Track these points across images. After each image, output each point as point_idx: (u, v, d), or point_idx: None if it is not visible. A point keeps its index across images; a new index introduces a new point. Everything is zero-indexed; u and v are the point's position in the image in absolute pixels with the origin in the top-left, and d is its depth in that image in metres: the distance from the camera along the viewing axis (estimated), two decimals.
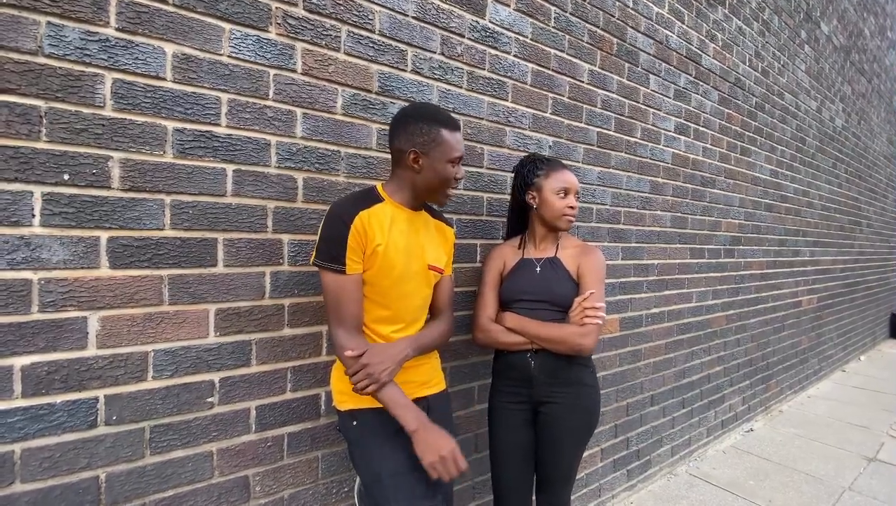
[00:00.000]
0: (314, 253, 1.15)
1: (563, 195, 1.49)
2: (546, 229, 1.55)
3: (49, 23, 0.98)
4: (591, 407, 1.50)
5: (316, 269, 1.23)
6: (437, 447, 1.08)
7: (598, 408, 1.53)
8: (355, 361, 1.10)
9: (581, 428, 1.49)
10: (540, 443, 1.50)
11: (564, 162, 1.70)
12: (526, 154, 1.67)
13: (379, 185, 1.25)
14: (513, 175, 1.63)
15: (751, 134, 3.32)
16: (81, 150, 1.02)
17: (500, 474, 1.52)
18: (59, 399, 1.02)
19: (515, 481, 1.51)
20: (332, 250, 1.11)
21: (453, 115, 1.66)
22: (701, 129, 2.86)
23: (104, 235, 1.05)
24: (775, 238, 3.66)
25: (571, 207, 1.49)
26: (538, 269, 1.51)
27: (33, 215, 0.98)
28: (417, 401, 1.25)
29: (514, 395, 1.51)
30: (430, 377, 1.31)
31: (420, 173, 1.18)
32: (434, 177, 1.18)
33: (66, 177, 1.01)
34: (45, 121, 0.98)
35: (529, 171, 1.55)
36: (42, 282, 0.99)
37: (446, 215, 1.65)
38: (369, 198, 1.19)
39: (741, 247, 3.27)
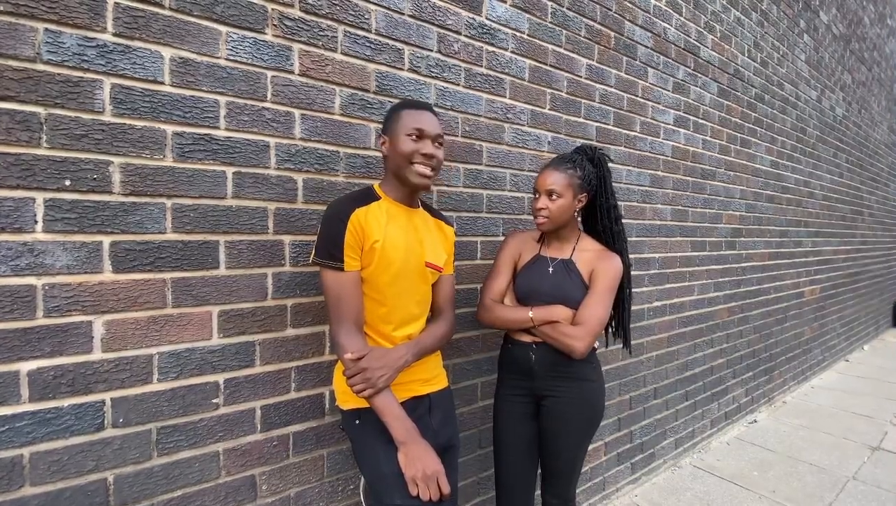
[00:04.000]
0: (313, 252, 1.16)
1: (536, 196, 1.47)
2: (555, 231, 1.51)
3: (47, 29, 0.99)
4: (592, 402, 1.50)
5: (317, 269, 1.24)
6: (423, 464, 1.09)
7: (601, 403, 1.52)
8: (354, 363, 1.11)
9: (582, 423, 1.48)
10: (542, 436, 1.51)
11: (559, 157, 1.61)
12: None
13: (376, 184, 1.26)
14: None
15: (751, 125, 3.31)
16: (82, 155, 1.03)
17: (502, 465, 1.54)
18: (66, 403, 1.03)
19: (517, 473, 1.52)
20: (330, 248, 1.12)
21: (452, 112, 1.67)
22: (700, 121, 2.85)
23: (106, 240, 1.06)
24: (777, 229, 3.65)
25: (538, 209, 1.45)
26: (550, 269, 1.49)
27: (36, 221, 0.99)
28: (419, 399, 1.26)
29: (517, 387, 1.52)
30: (432, 375, 1.31)
31: (388, 156, 1.21)
32: (396, 154, 1.18)
33: (67, 183, 1.01)
34: (45, 127, 0.99)
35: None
36: (46, 287, 1.00)
37: (446, 213, 1.66)
38: (366, 196, 1.20)
39: (742, 239, 3.26)
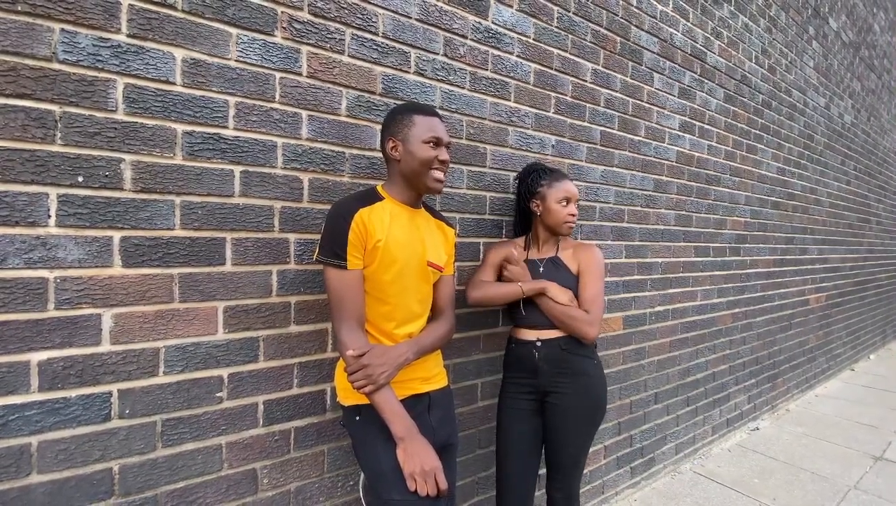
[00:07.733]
0: (317, 250, 1.19)
1: (564, 204, 1.58)
2: (549, 234, 1.64)
3: (63, 30, 1.02)
4: (596, 396, 1.57)
5: (321, 267, 1.26)
6: (421, 460, 1.11)
7: (605, 397, 1.60)
8: (356, 360, 1.13)
9: (587, 416, 1.55)
10: (548, 431, 1.56)
11: (566, 166, 1.75)
12: (529, 162, 1.76)
13: (379, 185, 1.28)
14: (516, 182, 1.73)
15: (757, 131, 3.30)
16: (95, 152, 1.06)
17: (505, 463, 1.58)
18: (74, 393, 1.05)
19: (520, 469, 1.56)
20: (334, 247, 1.15)
21: (457, 114, 1.69)
22: (706, 126, 2.85)
23: (117, 235, 1.09)
24: (782, 236, 3.64)
25: (572, 215, 1.59)
26: (541, 268, 1.60)
27: (49, 216, 1.01)
28: (419, 397, 1.28)
29: (522, 386, 1.58)
30: (432, 373, 1.33)
31: (401, 160, 1.23)
32: (413, 160, 1.21)
33: (80, 179, 1.04)
34: (59, 125, 1.02)
35: (533, 180, 1.63)
36: (58, 280, 1.03)
37: (449, 214, 1.68)
38: (369, 197, 1.23)
39: (747, 245, 3.26)
